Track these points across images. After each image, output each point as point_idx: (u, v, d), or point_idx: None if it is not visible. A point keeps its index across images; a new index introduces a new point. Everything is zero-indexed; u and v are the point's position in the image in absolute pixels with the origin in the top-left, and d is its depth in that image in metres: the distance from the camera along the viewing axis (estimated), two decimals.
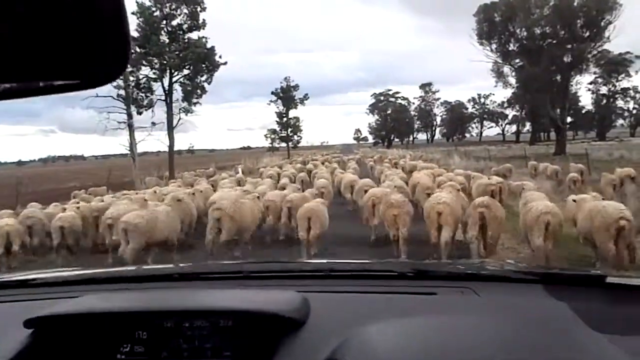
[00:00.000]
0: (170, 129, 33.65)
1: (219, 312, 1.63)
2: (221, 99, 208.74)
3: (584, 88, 75.62)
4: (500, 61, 50.58)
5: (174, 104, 33.63)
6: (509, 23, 47.58)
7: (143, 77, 33.43)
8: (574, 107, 74.31)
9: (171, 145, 34.23)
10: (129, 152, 31.64)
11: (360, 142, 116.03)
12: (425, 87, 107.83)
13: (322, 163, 35.32)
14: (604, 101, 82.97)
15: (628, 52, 70.04)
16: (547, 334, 1.45)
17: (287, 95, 68.76)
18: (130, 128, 30.64)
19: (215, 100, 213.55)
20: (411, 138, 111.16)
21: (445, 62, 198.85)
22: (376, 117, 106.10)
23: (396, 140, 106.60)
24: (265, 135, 71.56)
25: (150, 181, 29.29)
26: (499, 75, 51.99)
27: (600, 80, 78.52)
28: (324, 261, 2.66)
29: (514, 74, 51.47)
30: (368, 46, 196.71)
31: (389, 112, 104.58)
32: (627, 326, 1.59)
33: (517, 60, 49.79)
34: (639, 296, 1.90)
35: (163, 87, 33.65)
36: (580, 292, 1.90)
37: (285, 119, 69.64)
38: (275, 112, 69.83)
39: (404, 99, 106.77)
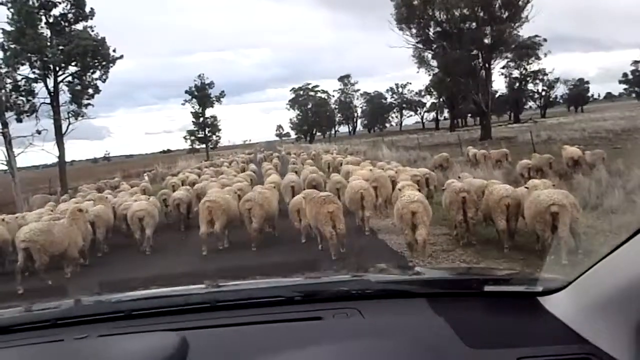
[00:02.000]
0: (59, 136, 27.86)
1: None
2: (136, 102, 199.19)
3: (497, 72, 75.01)
4: (421, 46, 47.47)
5: (61, 107, 27.91)
6: (428, 6, 44.44)
7: (22, 79, 27.55)
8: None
9: (61, 155, 28.38)
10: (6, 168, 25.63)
11: (283, 138, 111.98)
12: (344, 79, 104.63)
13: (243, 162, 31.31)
14: (517, 84, 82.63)
15: (537, 36, 69.55)
16: (422, 355, 1.47)
17: (202, 94, 63.59)
18: (6, 139, 24.70)
19: (130, 104, 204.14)
20: (333, 131, 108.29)
21: (361, 55, 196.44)
22: (297, 112, 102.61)
23: (318, 134, 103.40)
24: (185, 137, 66.33)
25: (35, 200, 23.78)
26: (421, 61, 48.88)
27: (512, 64, 77.98)
28: (210, 290, 2.40)
29: (434, 59, 48.50)
30: (282, 42, 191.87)
31: (309, 106, 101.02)
32: (503, 337, 1.60)
33: (437, 45, 46.91)
34: (514, 303, 1.88)
35: (47, 89, 27.90)
36: (461, 302, 1.93)
37: (202, 118, 64.40)
38: (191, 112, 64.56)
39: (324, 92, 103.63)
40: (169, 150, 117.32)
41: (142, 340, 1.68)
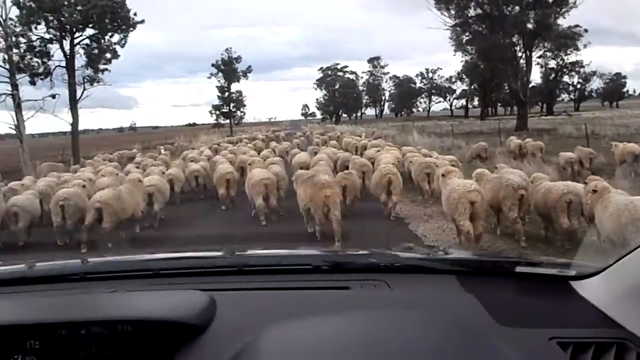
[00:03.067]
0: (73, 102, 25.83)
1: (115, 321, 1.44)
2: (164, 74, 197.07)
3: (533, 61, 71.47)
4: (459, 28, 44.40)
5: (77, 72, 25.86)
6: None
7: (37, 39, 25.51)
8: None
9: (75, 123, 26.32)
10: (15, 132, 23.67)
11: (308, 117, 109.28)
12: (374, 61, 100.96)
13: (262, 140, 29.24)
14: (552, 75, 78.79)
15: (577, 26, 65.50)
16: (452, 329, 1.43)
17: (228, 68, 61.30)
18: (15, 101, 22.73)
19: (158, 75, 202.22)
20: (359, 113, 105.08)
21: (390, 38, 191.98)
22: (324, 92, 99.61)
23: (344, 115, 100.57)
24: (210, 112, 64.40)
25: (42, 168, 21.95)
26: (459, 44, 45.77)
27: (548, 54, 74.28)
28: (238, 254, 2.35)
29: (472, 43, 45.33)
30: (311, 21, 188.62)
31: (337, 87, 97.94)
32: (534, 318, 1.55)
33: (476, 28, 43.84)
34: (546, 285, 1.82)
35: (63, 51, 25.82)
36: (492, 282, 1.87)
37: (227, 93, 62.26)
38: (217, 86, 62.41)
39: (352, 72, 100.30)
40: (194, 124, 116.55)
41: (172, 296, 1.64)
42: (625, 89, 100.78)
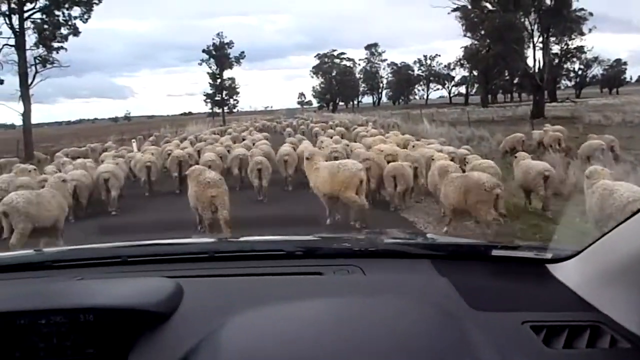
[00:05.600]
0: (25, 87, 20.67)
1: (76, 310, 1.37)
2: (159, 63, 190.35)
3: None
4: (469, 6, 39.21)
5: (29, 52, 20.68)
6: None
7: None
8: (520, 69, 67.40)
9: (26, 112, 21.05)
10: None
11: (305, 106, 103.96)
12: (371, 48, 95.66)
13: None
14: (556, 61, 73.83)
15: (582, 9, 60.51)
16: (426, 314, 1.40)
17: (220, 54, 55.81)
18: None
19: (153, 64, 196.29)
20: (356, 101, 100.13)
21: (385, 26, 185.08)
22: (320, 79, 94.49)
23: (341, 104, 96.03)
24: (205, 101, 59.16)
25: None
26: (471, 24, 40.52)
27: (552, 38, 69.35)
28: (209, 241, 2.43)
29: (482, 23, 40.17)
30: (306, 9, 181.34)
31: (333, 74, 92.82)
32: (508, 301, 1.51)
33: (489, 6, 38.74)
34: (521, 269, 1.77)
35: (11, 27, 20.62)
36: (467, 266, 1.83)
37: (219, 80, 56.97)
38: (208, 73, 56.97)
39: (349, 60, 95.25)
40: (190, 113, 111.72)
41: (136, 283, 1.57)
42: (624, 76, 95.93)
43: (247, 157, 12.88)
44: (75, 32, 21.69)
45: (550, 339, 1.31)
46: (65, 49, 21.70)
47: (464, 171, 9.37)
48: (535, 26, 37.53)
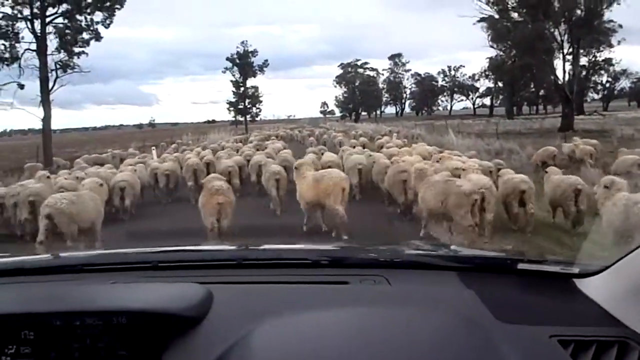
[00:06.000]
0: (45, 92, 20.37)
1: (110, 312, 1.40)
2: (184, 71, 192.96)
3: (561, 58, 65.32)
4: (496, 16, 38.18)
5: (50, 57, 20.34)
6: None
7: (2, 16, 20.00)
8: (547, 80, 66.37)
9: (46, 117, 20.72)
10: None
11: (327, 115, 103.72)
12: (395, 58, 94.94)
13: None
14: (584, 73, 72.14)
15: (611, 21, 59.01)
16: (452, 325, 1.39)
17: (243, 62, 55.59)
18: None
19: (178, 72, 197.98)
20: (379, 111, 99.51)
21: (409, 36, 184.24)
22: (343, 89, 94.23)
23: (363, 113, 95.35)
24: (228, 109, 59.00)
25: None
26: (497, 35, 39.48)
27: (580, 50, 67.83)
28: (237, 248, 2.38)
29: (509, 33, 39.08)
30: (330, 19, 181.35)
31: (356, 84, 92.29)
32: (535, 315, 1.48)
33: (517, 16, 37.68)
34: (548, 283, 1.73)
35: (33, 31, 20.37)
36: (493, 278, 1.80)
37: (242, 88, 56.70)
38: (231, 81, 56.77)
39: (373, 69, 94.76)
40: (213, 121, 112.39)
41: (168, 288, 1.60)
42: None
43: (266, 164, 12.49)
44: (97, 37, 21.30)
45: (577, 353, 1.29)
46: (87, 54, 21.37)
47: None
48: (565, 37, 36.30)
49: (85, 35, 20.97)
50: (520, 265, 1.80)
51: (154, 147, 22.34)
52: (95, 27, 21.30)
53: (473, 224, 7.61)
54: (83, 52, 21.15)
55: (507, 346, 1.27)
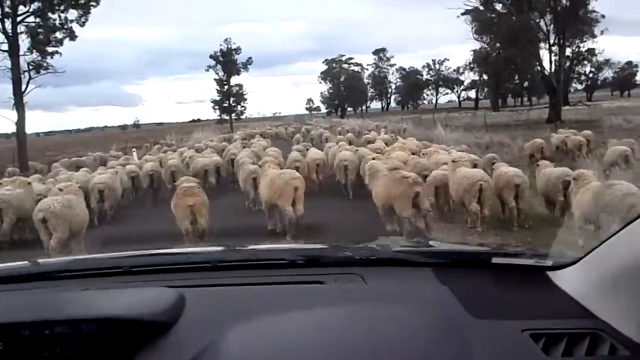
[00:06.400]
0: (18, 94, 19.43)
1: (79, 320, 1.37)
2: (168, 71, 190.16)
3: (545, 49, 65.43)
4: (481, 7, 37.72)
5: (21, 57, 19.36)
6: None
7: None
8: (531, 71, 66.57)
9: (20, 120, 19.76)
10: None
11: (313, 112, 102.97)
12: (379, 52, 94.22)
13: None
14: (567, 64, 72.20)
15: (594, 11, 59.04)
16: (426, 323, 1.40)
17: (227, 60, 54.57)
18: None
19: (162, 72, 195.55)
20: (365, 107, 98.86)
21: (393, 31, 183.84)
22: (328, 85, 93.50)
23: (349, 109, 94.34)
24: (213, 107, 57.96)
25: None
26: (481, 27, 39.05)
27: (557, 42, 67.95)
28: (212, 250, 2.33)
29: (496, 25, 38.65)
30: (314, 16, 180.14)
31: (341, 79, 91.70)
32: (509, 309, 1.52)
33: (502, 8, 37.29)
34: (523, 276, 1.73)
35: (4, 31, 19.37)
36: (468, 274, 1.79)
37: (226, 86, 55.72)
38: (215, 79, 55.70)
39: (357, 65, 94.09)
40: (198, 120, 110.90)
41: (139, 294, 1.58)
42: (635, 79, 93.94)
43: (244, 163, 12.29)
44: (72, 36, 20.33)
45: (549, 347, 1.30)
46: (60, 54, 20.37)
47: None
48: (551, 27, 36.00)
49: (58, 35, 20.05)
50: (495, 260, 1.80)
51: (134, 149, 21.55)
52: (70, 25, 20.37)
53: (413, 215, 7.63)
54: (57, 52, 20.21)
55: (479, 342, 1.28)
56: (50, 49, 19.86)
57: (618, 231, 1.36)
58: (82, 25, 20.58)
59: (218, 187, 12.92)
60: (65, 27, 20.21)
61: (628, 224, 1.32)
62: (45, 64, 19.90)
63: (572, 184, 7.44)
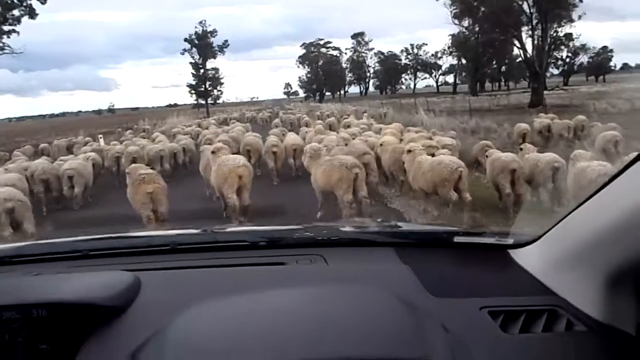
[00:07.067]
0: None
1: (29, 305, 1.35)
2: (144, 55, 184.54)
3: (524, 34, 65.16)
4: None
5: None
6: None
7: None
8: (509, 56, 66.39)
9: None
10: None
11: (291, 96, 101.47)
12: (358, 37, 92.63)
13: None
14: (545, 48, 72.11)
15: None
16: (386, 302, 1.37)
17: (202, 43, 52.91)
18: None
19: (137, 56, 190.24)
20: (343, 91, 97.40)
21: (371, 15, 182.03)
22: (306, 69, 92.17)
23: (327, 94, 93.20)
24: (189, 92, 56.36)
25: None
26: (461, 10, 38.17)
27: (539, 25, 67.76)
28: (171, 233, 2.25)
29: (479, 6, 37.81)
30: None
31: (320, 63, 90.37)
32: (468, 287, 1.51)
33: None
34: (484, 255, 1.77)
35: None
36: (429, 253, 1.85)
37: (202, 70, 54.09)
38: (190, 63, 54.04)
39: (335, 49, 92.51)
40: (175, 105, 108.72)
41: (92, 278, 1.55)
42: (610, 64, 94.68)
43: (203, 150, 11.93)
44: (32, 14, 18.72)
45: (507, 323, 1.30)
46: (17, 33, 18.69)
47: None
48: (534, 9, 35.32)
49: (16, 12, 18.39)
50: (457, 239, 1.81)
51: (100, 135, 20.36)
52: (29, 2, 18.70)
53: (352, 200, 7.63)
54: (14, 31, 18.51)
55: (437, 320, 1.27)
56: (6, 28, 18.27)
57: (575, 208, 1.33)
58: (44, 2, 18.99)
59: (175, 174, 13.13)
60: (24, 4, 18.60)
61: (584, 202, 1.29)
62: (1, 44, 18.31)
63: (569, 163, 7.50)
